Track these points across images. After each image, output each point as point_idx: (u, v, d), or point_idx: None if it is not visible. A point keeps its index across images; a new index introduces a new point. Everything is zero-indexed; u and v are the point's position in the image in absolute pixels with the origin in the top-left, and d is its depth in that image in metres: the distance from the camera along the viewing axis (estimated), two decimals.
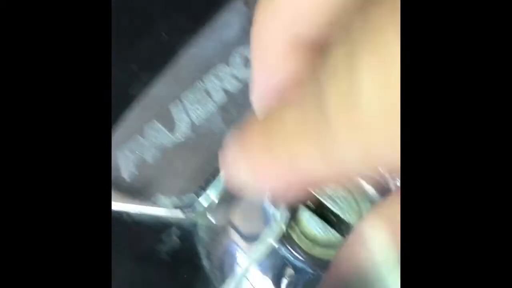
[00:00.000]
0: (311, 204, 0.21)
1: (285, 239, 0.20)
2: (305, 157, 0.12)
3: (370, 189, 0.21)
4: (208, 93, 0.24)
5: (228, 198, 0.23)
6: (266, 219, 0.21)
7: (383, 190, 0.20)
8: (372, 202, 0.20)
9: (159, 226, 0.23)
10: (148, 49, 0.26)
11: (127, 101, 0.26)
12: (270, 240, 0.19)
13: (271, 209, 0.21)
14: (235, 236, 0.22)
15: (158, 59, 0.26)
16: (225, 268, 0.22)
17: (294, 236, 0.21)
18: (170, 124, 0.24)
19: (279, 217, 0.19)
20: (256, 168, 0.13)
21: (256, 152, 0.13)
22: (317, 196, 0.21)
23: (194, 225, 0.23)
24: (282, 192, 0.13)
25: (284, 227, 0.20)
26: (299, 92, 0.12)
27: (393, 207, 0.15)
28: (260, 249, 0.18)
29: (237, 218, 0.22)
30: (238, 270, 0.17)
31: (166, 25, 0.27)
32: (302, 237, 0.21)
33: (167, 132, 0.24)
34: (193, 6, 0.27)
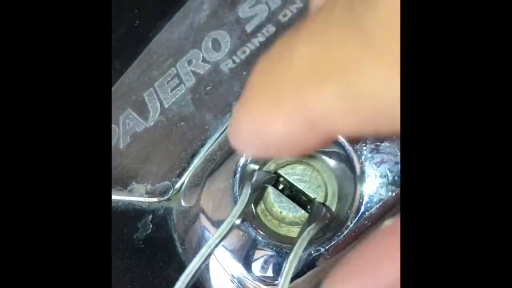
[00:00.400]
0: (278, 183, 0.21)
1: (253, 218, 0.20)
2: (322, 99, 0.10)
3: (335, 164, 0.20)
4: (180, 78, 0.24)
5: (200, 183, 0.23)
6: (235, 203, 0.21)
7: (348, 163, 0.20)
8: (337, 178, 0.20)
9: (134, 214, 0.24)
10: (121, 37, 0.26)
11: None
12: (235, 218, 0.19)
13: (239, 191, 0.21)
14: (206, 223, 0.22)
15: (131, 46, 0.26)
16: None
17: (262, 216, 0.21)
18: (144, 112, 0.24)
19: (245, 195, 0.19)
20: (263, 122, 0.11)
21: (262, 102, 0.11)
22: (283, 175, 0.21)
23: (169, 212, 0.24)
24: (291, 146, 0.12)
25: (251, 206, 0.20)
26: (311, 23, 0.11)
27: (363, 262, 0.13)
28: (224, 226, 0.18)
29: (207, 204, 0.22)
30: (203, 247, 0.17)
31: (138, 12, 0.26)
32: (269, 216, 0.21)
33: (141, 120, 0.24)
34: None
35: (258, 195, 0.20)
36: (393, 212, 0.20)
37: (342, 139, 0.20)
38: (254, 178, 0.19)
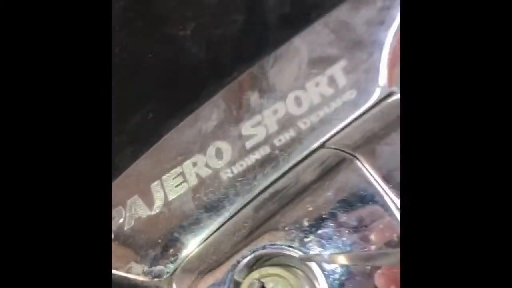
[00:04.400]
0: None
1: None
2: None
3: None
4: (184, 177, 0.29)
5: (192, 270, 0.28)
6: None
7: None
8: None
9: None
10: (135, 126, 0.30)
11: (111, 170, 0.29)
12: None
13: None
14: None
15: (143, 136, 0.30)
16: None
17: None
18: (149, 201, 0.28)
19: None
20: None
21: None
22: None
23: None
24: None
25: None
26: None
27: None
28: None
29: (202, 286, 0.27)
30: None
31: (153, 106, 0.30)
32: None
33: (146, 207, 0.28)
34: (179, 94, 0.30)
35: None
36: None
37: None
38: None
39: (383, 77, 0.29)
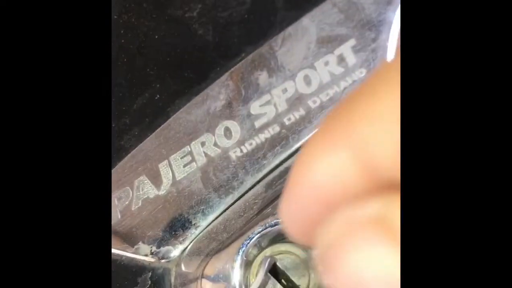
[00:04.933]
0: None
1: None
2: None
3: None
4: (192, 156, 0.28)
5: (202, 250, 0.27)
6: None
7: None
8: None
9: (136, 269, 0.27)
10: (141, 107, 0.30)
11: (117, 151, 0.29)
12: None
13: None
14: (206, 285, 0.26)
15: (150, 117, 0.29)
16: None
17: None
18: (157, 181, 0.28)
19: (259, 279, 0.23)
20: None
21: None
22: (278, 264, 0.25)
23: (168, 272, 0.27)
24: None
25: None
26: None
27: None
28: None
29: (209, 268, 0.27)
30: None
31: (160, 87, 0.30)
32: None
33: (153, 187, 0.28)
34: (186, 75, 0.30)
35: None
36: None
37: None
38: (267, 265, 0.23)
39: (391, 56, 0.29)
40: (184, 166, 0.28)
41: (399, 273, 0.09)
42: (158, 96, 0.30)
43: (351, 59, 0.28)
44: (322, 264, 0.10)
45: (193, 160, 0.28)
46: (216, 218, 0.27)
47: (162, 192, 0.28)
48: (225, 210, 0.27)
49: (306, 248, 0.26)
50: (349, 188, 0.10)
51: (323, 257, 0.10)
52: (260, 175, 0.28)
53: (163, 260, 0.27)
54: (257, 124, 0.28)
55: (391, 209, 0.09)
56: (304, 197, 0.11)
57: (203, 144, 0.28)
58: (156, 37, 0.31)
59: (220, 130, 0.28)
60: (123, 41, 0.31)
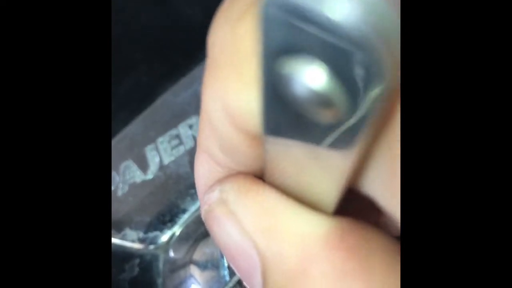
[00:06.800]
0: None
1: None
2: None
3: None
4: (180, 139, 0.27)
5: (190, 235, 0.26)
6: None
7: None
8: None
9: (123, 256, 0.26)
10: (128, 90, 0.29)
11: None
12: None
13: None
14: (195, 271, 0.25)
15: (137, 100, 0.29)
16: None
17: None
18: (144, 165, 0.27)
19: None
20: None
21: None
22: None
23: (156, 258, 0.27)
24: None
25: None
26: None
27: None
28: None
29: (198, 254, 0.26)
30: None
31: (147, 68, 0.29)
32: None
33: (140, 172, 0.27)
34: (173, 57, 0.29)
35: None
36: None
37: None
38: None
39: None
40: (172, 149, 0.27)
41: (249, 244, 0.11)
42: (144, 78, 0.29)
43: None
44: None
45: (181, 143, 0.27)
46: None
47: (149, 176, 0.27)
48: None
49: None
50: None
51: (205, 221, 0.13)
52: None
53: (151, 246, 0.26)
54: None
55: (229, 195, 0.12)
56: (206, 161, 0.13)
57: (191, 126, 0.27)
58: (142, 18, 0.30)
59: None
60: None
